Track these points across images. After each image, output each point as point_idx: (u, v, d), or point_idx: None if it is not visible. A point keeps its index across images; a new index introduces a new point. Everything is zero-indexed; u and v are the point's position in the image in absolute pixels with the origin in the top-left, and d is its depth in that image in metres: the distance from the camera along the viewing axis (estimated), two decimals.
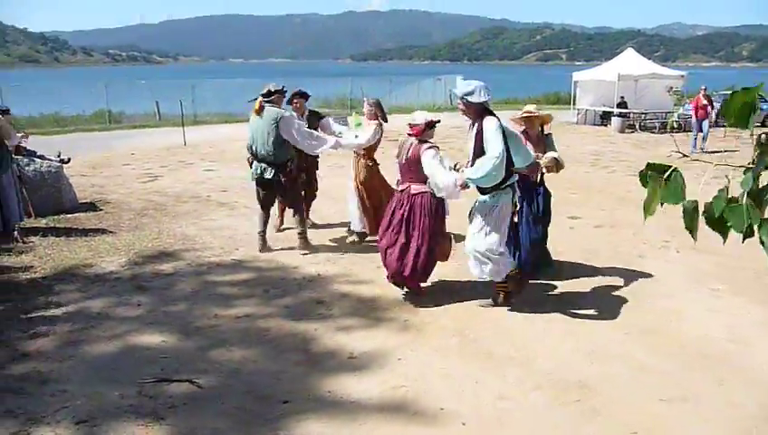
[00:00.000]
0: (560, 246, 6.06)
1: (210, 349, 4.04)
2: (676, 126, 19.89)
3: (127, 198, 9.02)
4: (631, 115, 19.82)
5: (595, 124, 20.80)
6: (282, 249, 6.38)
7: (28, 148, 8.42)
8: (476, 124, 4.43)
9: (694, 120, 14.92)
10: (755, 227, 0.97)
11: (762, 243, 0.96)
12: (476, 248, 4.53)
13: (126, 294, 5.02)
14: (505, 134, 4.36)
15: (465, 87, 4.46)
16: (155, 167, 12.01)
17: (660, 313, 4.72)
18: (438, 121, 4.95)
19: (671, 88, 20.13)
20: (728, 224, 0.96)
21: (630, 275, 5.59)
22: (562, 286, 5.29)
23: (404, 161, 4.86)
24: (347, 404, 3.38)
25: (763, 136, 0.96)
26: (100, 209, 8.21)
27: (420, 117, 4.86)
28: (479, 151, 4.38)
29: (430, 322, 4.52)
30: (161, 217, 7.83)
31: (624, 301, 4.95)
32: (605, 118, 20.67)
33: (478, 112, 4.43)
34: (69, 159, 8.99)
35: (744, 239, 0.98)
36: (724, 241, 1.09)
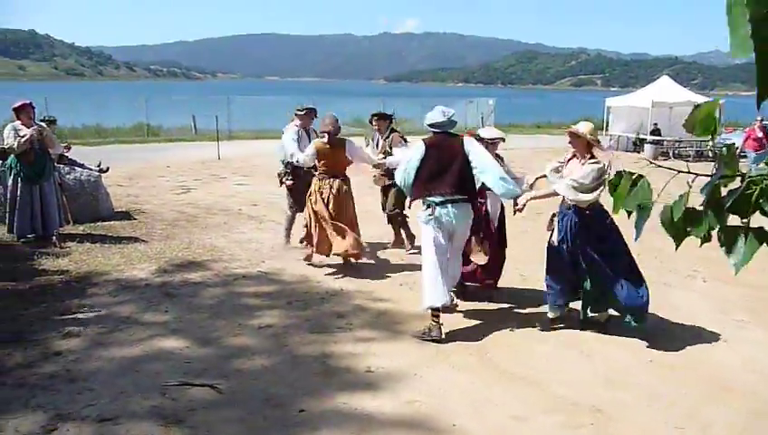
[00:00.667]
0: None
1: (232, 356, 4.16)
2: (711, 155, 19.58)
3: (160, 208, 9.29)
4: (665, 142, 19.60)
5: (627, 151, 20.61)
6: (307, 264, 6.50)
7: (70, 157, 8.79)
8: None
9: (748, 151, 13.69)
10: (714, 233, 1.03)
11: (722, 247, 1.03)
12: None
13: (154, 301, 5.19)
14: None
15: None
16: (188, 179, 12.34)
17: (682, 342, 4.67)
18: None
19: None
20: (687, 229, 1.03)
21: (655, 303, 5.51)
22: (577, 310, 5.26)
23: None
24: (361, 417, 3.44)
25: (725, 148, 1.02)
26: (135, 219, 8.48)
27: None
28: None
29: (447, 338, 4.56)
30: (192, 227, 8.05)
31: (646, 329, 4.91)
32: (638, 145, 20.47)
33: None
34: (108, 169, 9.34)
35: (701, 243, 1.05)
36: (677, 247, 1.16)
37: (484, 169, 4.57)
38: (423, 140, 4.74)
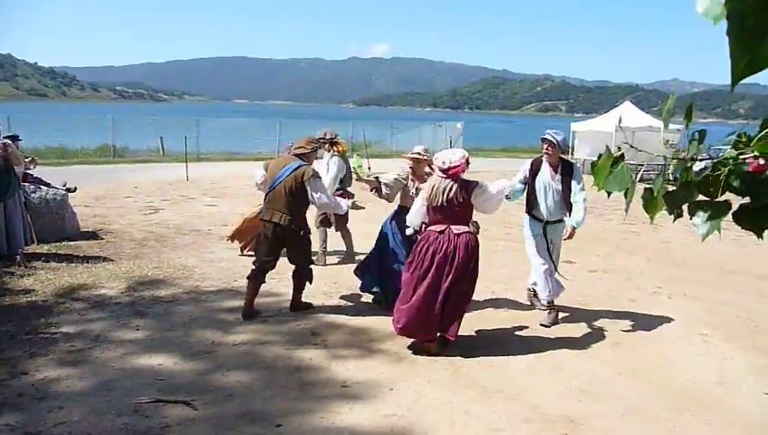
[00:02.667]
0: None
1: (206, 373, 4.10)
2: (672, 178, 20.24)
3: (128, 228, 9.15)
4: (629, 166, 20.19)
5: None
6: (279, 280, 6.48)
7: (35, 175, 8.61)
8: (559, 169, 5.36)
9: None
10: (685, 209, 1.12)
11: (694, 224, 1.11)
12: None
13: (125, 319, 5.10)
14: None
15: (560, 136, 5.31)
16: (157, 200, 12.19)
17: (650, 355, 4.80)
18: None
19: (668, 141, 20.53)
20: (663, 207, 1.13)
21: (622, 319, 5.68)
22: (555, 326, 5.37)
23: (444, 204, 4.56)
24: (338, 431, 3.43)
25: (696, 133, 1.12)
26: (102, 238, 8.33)
27: (456, 156, 4.64)
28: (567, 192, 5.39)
29: (423, 355, 4.58)
30: (161, 247, 7.94)
31: (615, 343, 5.03)
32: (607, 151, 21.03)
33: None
34: (75, 189, 9.17)
35: (674, 219, 1.14)
36: (651, 221, 1.27)
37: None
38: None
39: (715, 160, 1.08)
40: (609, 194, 1.31)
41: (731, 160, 1.04)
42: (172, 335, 4.77)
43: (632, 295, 6.52)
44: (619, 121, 20.23)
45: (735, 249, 8.56)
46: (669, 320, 5.68)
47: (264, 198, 5.33)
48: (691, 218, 1.08)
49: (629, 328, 5.42)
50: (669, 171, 1.17)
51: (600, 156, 1.26)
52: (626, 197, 1.22)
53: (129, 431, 3.30)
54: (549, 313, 5.43)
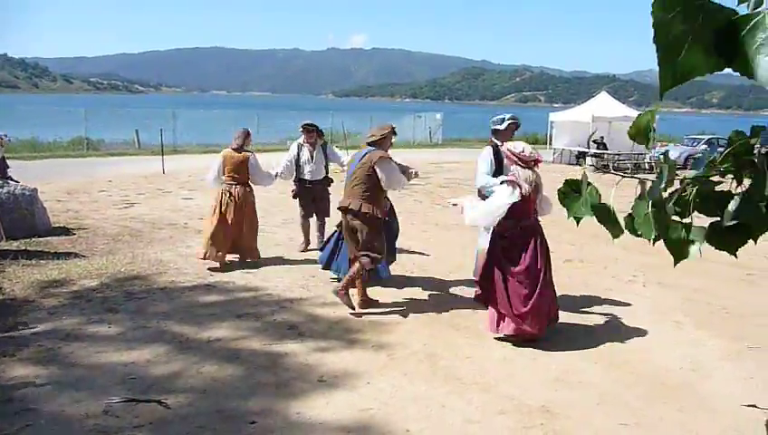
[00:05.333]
0: None
1: (180, 370, 4.04)
2: (647, 167, 20.50)
3: (102, 223, 8.98)
4: (605, 156, 20.38)
5: (570, 164, 21.32)
6: (255, 274, 6.41)
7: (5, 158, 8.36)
8: None
9: None
10: (662, 232, 1.09)
11: (666, 244, 1.09)
12: None
13: (96, 316, 5.00)
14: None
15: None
16: (132, 194, 11.99)
17: (625, 343, 4.84)
18: None
19: None
20: (638, 232, 1.08)
21: (598, 308, 5.73)
22: None
23: (534, 192, 4.62)
24: (315, 425, 3.40)
25: (662, 156, 1.09)
26: (74, 234, 8.16)
27: (528, 147, 4.74)
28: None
29: (400, 347, 4.58)
30: (136, 242, 7.81)
31: (591, 332, 5.07)
32: (580, 158, 21.21)
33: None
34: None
35: (653, 242, 1.11)
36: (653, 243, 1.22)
37: None
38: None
39: (684, 180, 1.05)
40: (578, 221, 1.27)
41: (699, 180, 1.02)
42: (145, 332, 4.69)
43: (608, 284, 6.57)
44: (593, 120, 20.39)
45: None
46: (644, 308, 5.74)
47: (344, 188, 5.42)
48: (666, 243, 1.06)
49: (605, 317, 5.46)
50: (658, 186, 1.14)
51: (565, 186, 1.22)
52: (601, 218, 1.17)
53: (99, 433, 3.23)
54: None
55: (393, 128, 5.57)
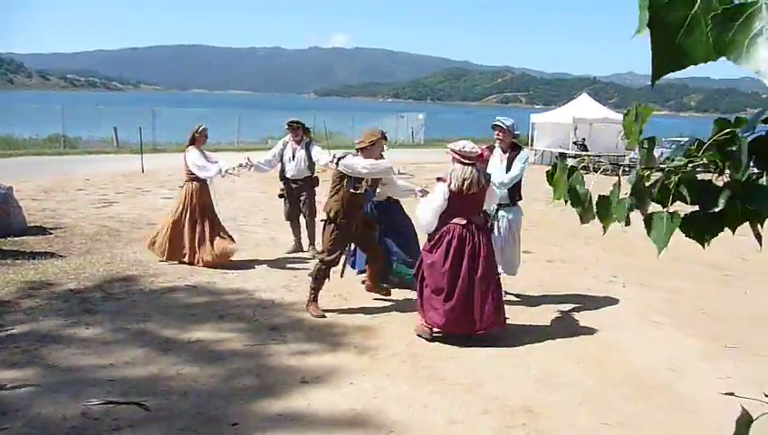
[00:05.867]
0: (512, 278, 6.21)
1: (160, 372, 3.98)
2: (627, 169, 20.77)
3: (79, 222, 8.84)
4: (586, 157, 20.59)
5: (551, 165, 21.50)
6: (237, 275, 6.36)
7: None
8: (508, 153, 5.54)
9: None
10: (644, 223, 1.11)
11: (648, 235, 1.11)
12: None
13: (74, 317, 4.90)
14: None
15: (508, 121, 5.60)
16: (111, 193, 11.82)
17: (606, 343, 4.88)
18: None
19: (623, 133, 21.06)
20: (613, 216, 1.12)
21: (579, 308, 5.77)
22: (513, 317, 5.40)
23: (476, 192, 4.62)
24: (297, 427, 3.38)
25: (645, 141, 1.10)
26: (50, 233, 8.02)
27: (470, 144, 4.78)
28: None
29: (383, 348, 4.56)
30: (115, 242, 7.70)
31: (572, 332, 5.11)
32: (561, 159, 21.39)
33: (511, 144, 5.56)
34: None
35: (625, 225, 1.14)
36: (604, 232, 1.26)
37: None
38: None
39: (666, 168, 1.06)
40: (566, 202, 1.29)
41: (681, 168, 1.03)
42: (124, 334, 4.62)
43: (589, 284, 6.63)
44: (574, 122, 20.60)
45: (687, 238, 8.79)
46: (624, 308, 5.80)
47: None
48: (648, 232, 1.07)
49: (586, 317, 5.51)
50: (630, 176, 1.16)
51: (554, 166, 1.24)
52: (574, 204, 1.20)
53: None
54: None
55: (383, 134, 5.40)
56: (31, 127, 22.63)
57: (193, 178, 6.75)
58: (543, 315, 5.50)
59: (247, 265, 6.83)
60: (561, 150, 21.46)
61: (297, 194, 7.34)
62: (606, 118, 21.75)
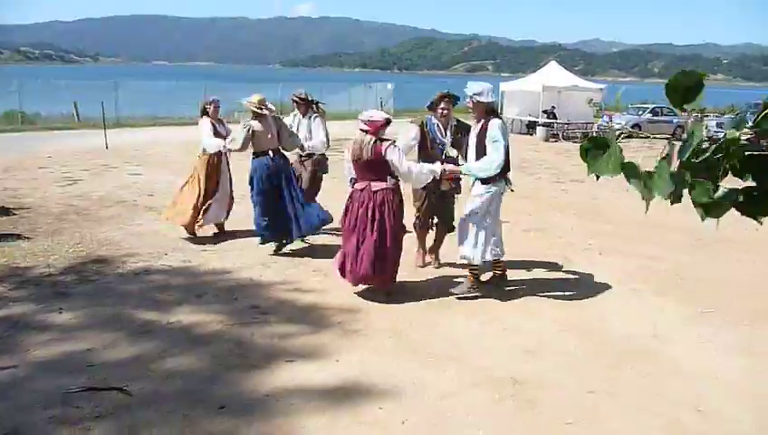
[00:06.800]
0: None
1: (140, 356, 3.87)
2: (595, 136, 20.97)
3: (44, 202, 8.53)
4: (555, 125, 20.70)
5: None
6: (213, 252, 6.22)
7: None
8: (481, 123, 4.94)
9: None
10: (687, 190, 1.05)
11: (694, 204, 1.05)
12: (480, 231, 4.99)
13: (46, 301, 4.73)
14: (505, 134, 4.89)
15: (476, 88, 4.92)
16: (75, 170, 11.43)
17: (588, 312, 4.93)
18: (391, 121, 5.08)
19: (591, 100, 21.22)
20: (654, 190, 1.04)
21: (559, 277, 5.82)
22: (495, 288, 5.43)
23: (365, 160, 4.84)
24: (285, 407, 3.32)
25: (694, 117, 1.04)
26: (14, 214, 7.71)
27: (378, 114, 4.98)
28: (481, 147, 4.90)
29: (367, 324, 4.52)
30: (83, 221, 7.45)
31: (553, 301, 5.14)
32: (531, 127, 21.48)
33: (484, 112, 4.93)
34: None
35: (672, 203, 1.07)
36: (647, 209, 1.19)
37: None
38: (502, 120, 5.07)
39: (716, 143, 1.00)
40: (597, 177, 1.21)
41: (733, 142, 0.97)
42: (100, 317, 4.47)
43: (566, 253, 6.68)
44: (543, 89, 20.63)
45: (660, 204, 8.92)
46: (603, 276, 5.86)
47: None
48: (696, 204, 1.01)
49: (566, 286, 5.55)
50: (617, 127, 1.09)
51: (587, 142, 1.16)
52: (631, 178, 1.12)
53: (59, 424, 3.06)
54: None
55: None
56: None
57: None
58: (523, 286, 5.52)
59: (222, 242, 6.69)
60: (530, 118, 21.56)
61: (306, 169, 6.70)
62: (575, 85, 21.86)
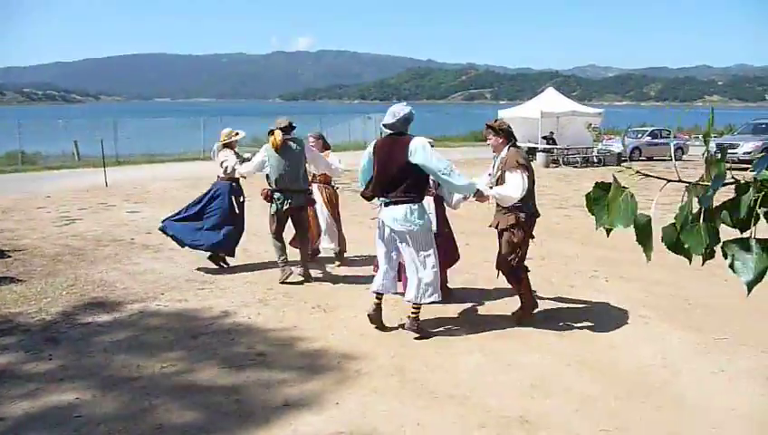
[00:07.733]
0: (494, 277, 6.06)
1: (131, 404, 3.71)
2: (596, 160, 20.94)
3: (40, 243, 8.42)
4: (555, 151, 20.70)
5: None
6: (210, 290, 6.08)
7: None
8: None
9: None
10: (717, 248, 0.92)
11: (730, 266, 0.92)
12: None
13: (36, 348, 4.58)
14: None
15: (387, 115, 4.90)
16: (73, 210, 11.36)
17: (595, 342, 4.77)
18: None
19: (590, 124, 21.26)
20: (686, 246, 0.91)
21: (565, 307, 5.66)
22: (498, 318, 5.27)
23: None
24: None
25: (715, 153, 0.93)
26: (9, 256, 7.60)
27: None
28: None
29: (367, 362, 4.36)
30: (78, 262, 7.33)
31: (559, 332, 4.98)
32: (530, 153, 21.46)
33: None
34: None
35: (704, 262, 0.94)
36: (690, 262, 1.05)
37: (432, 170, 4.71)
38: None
39: (743, 182, 0.88)
40: (608, 232, 1.09)
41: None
42: (90, 363, 4.32)
43: (571, 281, 6.53)
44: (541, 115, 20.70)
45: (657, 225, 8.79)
46: (609, 304, 5.71)
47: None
48: (729, 261, 0.88)
49: (573, 316, 5.39)
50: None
51: (595, 189, 1.04)
52: (642, 236, 1.00)
53: None
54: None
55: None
56: None
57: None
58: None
59: (220, 277, 6.56)
60: (530, 145, 21.56)
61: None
62: (573, 111, 21.94)
